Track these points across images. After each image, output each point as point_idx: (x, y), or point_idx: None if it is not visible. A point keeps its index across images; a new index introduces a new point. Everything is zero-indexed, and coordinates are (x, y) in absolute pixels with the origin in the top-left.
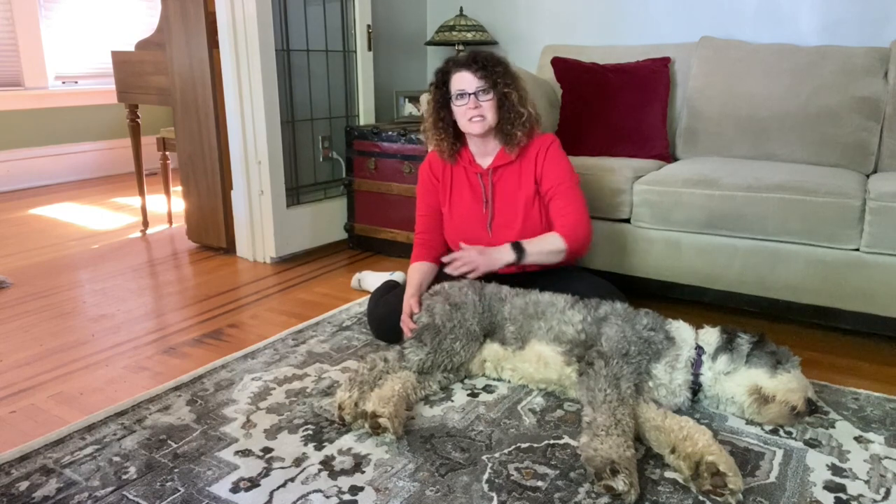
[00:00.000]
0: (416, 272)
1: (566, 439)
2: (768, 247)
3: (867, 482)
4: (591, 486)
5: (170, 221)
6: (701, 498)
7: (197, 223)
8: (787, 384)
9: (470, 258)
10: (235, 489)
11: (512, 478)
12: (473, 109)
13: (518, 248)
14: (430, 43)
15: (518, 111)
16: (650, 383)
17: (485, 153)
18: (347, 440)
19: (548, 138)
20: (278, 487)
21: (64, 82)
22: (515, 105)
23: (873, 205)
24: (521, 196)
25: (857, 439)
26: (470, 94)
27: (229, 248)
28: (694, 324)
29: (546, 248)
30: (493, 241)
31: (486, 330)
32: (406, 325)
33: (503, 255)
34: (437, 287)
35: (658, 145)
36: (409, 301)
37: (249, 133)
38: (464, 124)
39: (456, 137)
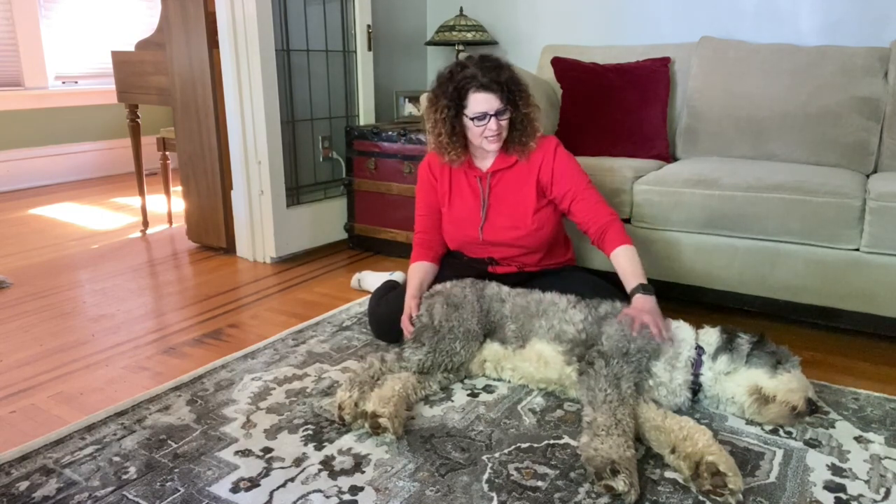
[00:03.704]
0: (416, 272)
1: (566, 439)
2: (768, 247)
3: (867, 482)
4: (592, 486)
5: (170, 221)
6: (701, 498)
7: (197, 223)
8: (788, 384)
9: (650, 322)
10: (235, 489)
11: (512, 478)
12: (493, 130)
13: (646, 289)
14: (430, 43)
15: (534, 126)
16: (650, 383)
17: (484, 157)
18: (347, 440)
19: (550, 142)
20: (278, 487)
21: (64, 82)
22: (533, 122)
23: (873, 205)
24: (519, 199)
25: (857, 439)
26: (491, 116)
27: (229, 248)
28: (694, 324)
29: (639, 262)
30: (484, 242)
31: (486, 330)
32: (406, 326)
33: (652, 302)
34: (437, 287)
35: (658, 145)
36: (409, 301)
37: (249, 133)
38: (477, 140)
39: (464, 147)
